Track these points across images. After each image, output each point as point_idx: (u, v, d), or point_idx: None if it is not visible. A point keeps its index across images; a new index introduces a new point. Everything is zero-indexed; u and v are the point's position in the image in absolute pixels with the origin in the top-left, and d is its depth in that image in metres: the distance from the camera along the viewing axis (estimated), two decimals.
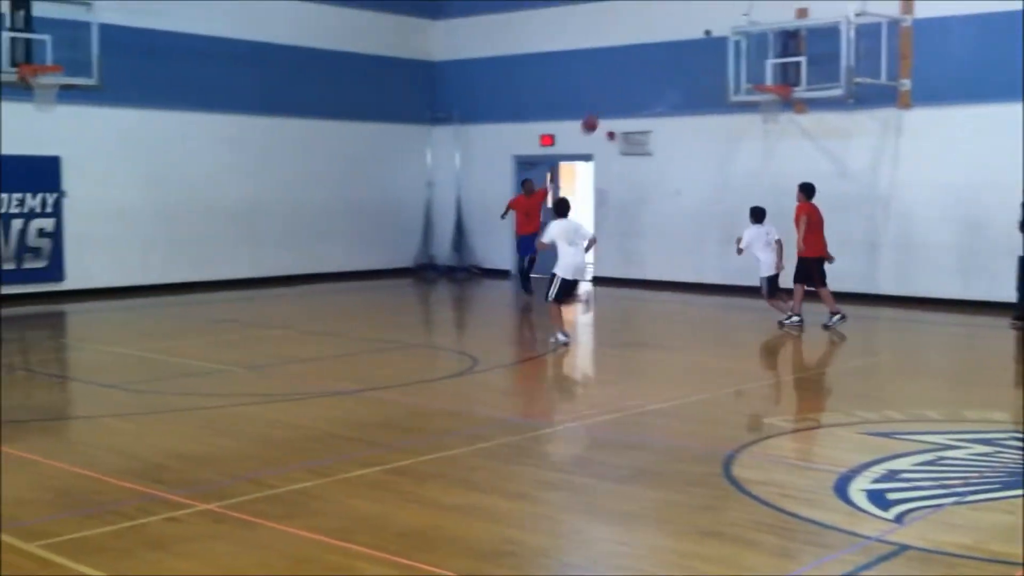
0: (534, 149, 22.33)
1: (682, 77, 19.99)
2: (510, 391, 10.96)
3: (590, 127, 16.61)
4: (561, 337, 12.68)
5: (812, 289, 14.39)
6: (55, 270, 17.80)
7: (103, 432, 8.70)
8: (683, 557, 5.60)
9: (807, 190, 14.66)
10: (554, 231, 12.58)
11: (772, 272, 14.42)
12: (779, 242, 14.42)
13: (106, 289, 18.18)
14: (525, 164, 22.66)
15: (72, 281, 18.03)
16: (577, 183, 24.23)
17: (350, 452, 7.82)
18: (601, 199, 21.33)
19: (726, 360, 12.38)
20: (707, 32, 19.32)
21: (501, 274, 22.32)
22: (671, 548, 5.78)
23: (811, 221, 14.37)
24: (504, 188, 22.52)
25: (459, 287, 21.33)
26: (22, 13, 16.37)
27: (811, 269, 14.40)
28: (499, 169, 22.81)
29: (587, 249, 13.17)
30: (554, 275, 12.62)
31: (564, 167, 22.91)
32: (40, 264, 17.63)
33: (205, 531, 6.08)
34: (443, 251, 23.34)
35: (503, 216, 19.58)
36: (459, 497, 6.68)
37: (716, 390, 10.27)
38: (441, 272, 22.95)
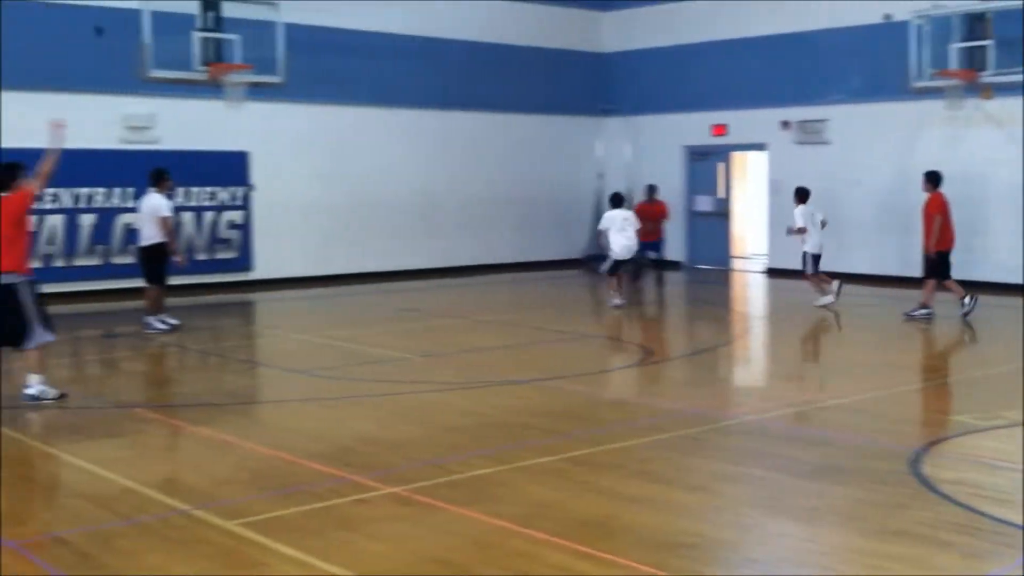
0: (706, 139, 22.08)
1: (861, 63, 19.43)
2: (687, 382, 10.89)
3: None
4: (616, 301, 15.61)
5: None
6: (244, 260, 18.63)
7: (294, 416, 9.08)
8: (871, 556, 5.49)
9: (935, 179, 14.19)
10: (607, 219, 15.81)
11: (815, 251, 15.54)
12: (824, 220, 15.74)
13: (291, 279, 18.93)
14: (697, 154, 22.45)
15: (260, 271, 18.85)
16: (750, 173, 23.83)
17: (529, 440, 7.94)
18: (775, 189, 20.93)
19: (907, 354, 12.02)
20: (887, 16, 18.71)
21: (672, 265, 22.15)
22: (858, 547, 5.67)
23: (945, 213, 13.98)
24: (675, 178, 22.36)
25: (630, 278, 21.25)
26: (212, 14, 17.18)
27: (943, 263, 14.07)
28: (670, 160, 22.65)
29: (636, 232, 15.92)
30: (608, 256, 15.83)
31: (737, 157, 22.56)
32: (230, 255, 18.48)
33: (392, 513, 6.30)
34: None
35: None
36: (637, 488, 6.71)
37: (899, 385, 9.98)
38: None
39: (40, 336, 9.24)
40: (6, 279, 9.12)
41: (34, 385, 9.30)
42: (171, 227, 13.37)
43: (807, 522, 6.09)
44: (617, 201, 16.40)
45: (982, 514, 6.07)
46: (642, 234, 16.52)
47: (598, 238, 16.47)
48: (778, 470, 7.09)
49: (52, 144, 9.66)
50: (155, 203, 13.32)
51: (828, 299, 15.15)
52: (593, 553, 5.52)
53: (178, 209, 17.80)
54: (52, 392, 9.33)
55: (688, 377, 11.24)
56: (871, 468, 7.10)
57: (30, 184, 9.42)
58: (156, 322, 13.45)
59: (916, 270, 17.75)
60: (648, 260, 17.92)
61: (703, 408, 9.25)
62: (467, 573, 5.31)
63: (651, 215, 18.43)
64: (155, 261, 13.39)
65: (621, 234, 15.69)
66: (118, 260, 17.43)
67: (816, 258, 15.51)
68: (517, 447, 7.72)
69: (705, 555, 5.61)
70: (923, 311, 14.07)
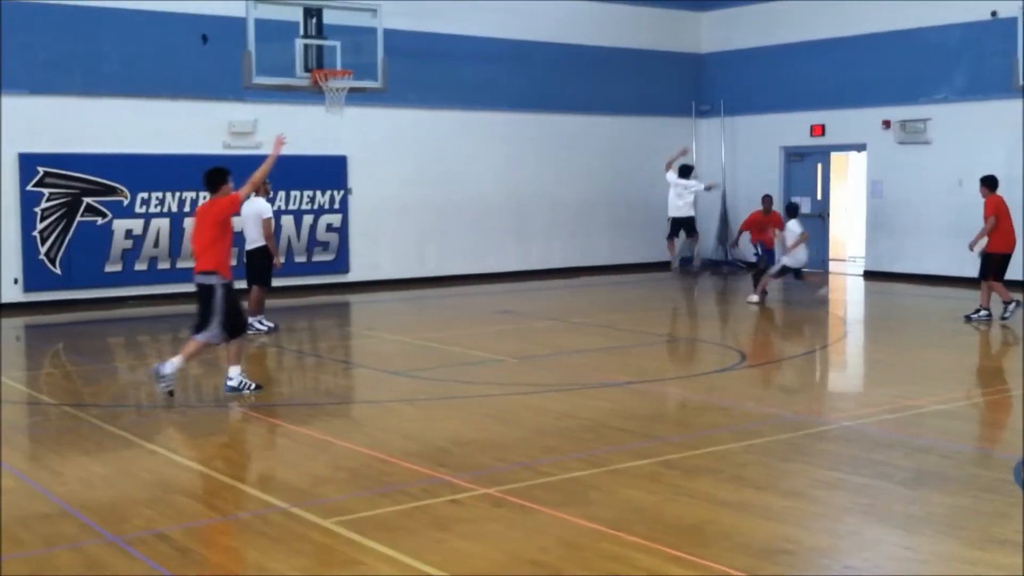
0: (804, 139, 21.76)
1: (965, 61, 18.96)
2: (781, 387, 10.75)
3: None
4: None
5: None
6: (341, 263, 18.94)
7: (390, 416, 9.20)
8: (973, 565, 5.37)
9: (992, 183, 14.31)
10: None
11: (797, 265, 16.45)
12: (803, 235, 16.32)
13: (387, 281, 19.17)
14: (795, 155, 22.13)
15: (356, 273, 19.13)
16: (850, 174, 23.41)
17: (622, 443, 7.93)
18: (875, 191, 20.54)
19: (1012, 360, 11.69)
20: (994, 13, 18.23)
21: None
22: (959, 555, 5.54)
23: (1002, 215, 14.02)
24: (772, 180, 22.09)
25: (724, 281, 21.08)
26: (314, 21, 17.50)
27: (993, 264, 14.12)
28: (767, 160, 22.37)
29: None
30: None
31: (836, 158, 22.17)
32: (328, 257, 18.79)
33: (485, 514, 6.35)
34: (708, 244, 23.13)
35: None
36: (732, 493, 6.65)
37: (1002, 391, 9.72)
38: (706, 266, 22.74)
39: (211, 336, 9.53)
40: (205, 279, 9.52)
41: (234, 377, 9.73)
42: (271, 230, 13.65)
43: (906, 530, 5.97)
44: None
45: None
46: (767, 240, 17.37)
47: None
48: (876, 476, 6.96)
49: (271, 152, 10.12)
50: (258, 206, 13.60)
51: (984, 313, 14.51)
52: (685, 557, 5.49)
53: (278, 213, 18.21)
54: (251, 384, 9.77)
55: (784, 381, 11.09)
56: (972, 475, 6.93)
57: (238, 190, 9.77)
58: (257, 323, 13.74)
59: (1021, 273, 17.31)
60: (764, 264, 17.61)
61: (800, 413, 9.13)
62: (558, 574, 5.33)
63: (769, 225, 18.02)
64: (259, 263, 13.67)
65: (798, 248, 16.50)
66: None
67: (791, 271, 16.62)
68: (611, 450, 7.71)
69: (800, 562, 5.54)
70: (982, 313, 14.14)
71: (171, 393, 9.54)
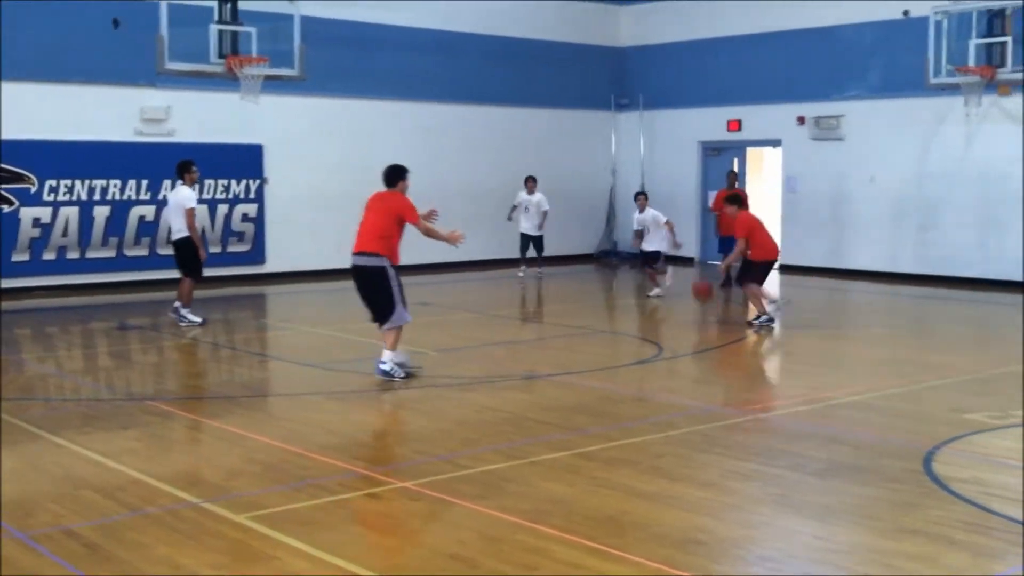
0: (721, 134, 22.03)
1: (879, 59, 19.35)
2: (698, 379, 10.87)
3: (702, 294, 15.06)
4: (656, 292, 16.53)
5: None
6: (257, 253, 18.67)
7: (306, 409, 9.08)
8: (883, 555, 5.45)
9: (738, 201, 14.26)
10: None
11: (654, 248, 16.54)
12: (668, 223, 16.45)
13: (305, 272, 18.93)
14: (711, 150, 22.38)
15: (273, 264, 18.87)
16: (765, 169, 23.75)
17: (541, 435, 7.93)
18: (790, 185, 20.87)
19: (923, 352, 11.95)
20: (906, 12, 18.64)
21: (684, 261, 22.11)
22: (871, 545, 5.63)
23: (756, 229, 13.69)
24: (690, 174, 22.32)
25: (642, 274, 21.23)
26: (229, 6, 17.15)
27: (761, 271, 13.71)
28: (685, 155, 22.61)
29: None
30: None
31: (752, 153, 22.49)
32: (243, 248, 18.51)
33: (403, 508, 6.30)
34: (626, 238, 23.28)
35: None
36: (649, 484, 6.68)
37: (913, 383, 9.92)
38: (624, 259, 22.91)
39: (401, 317, 9.72)
40: (373, 261, 9.66)
41: (387, 361, 9.77)
42: (194, 220, 13.36)
43: (820, 520, 6.05)
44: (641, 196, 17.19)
45: (994, 513, 6.03)
46: (723, 227, 17.19)
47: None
48: (790, 468, 7.05)
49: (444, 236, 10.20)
50: (182, 195, 13.34)
51: (659, 291, 16.31)
52: (603, 549, 5.50)
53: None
54: (400, 372, 9.80)
55: (699, 373, 11.21)
56: (884, 466, 7.06)
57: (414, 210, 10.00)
58: (191, 314, 13.47)
59: (934, 267, 17.78)
60: None
61: (714, 404, 9.22)
62: (476, 568, 5.30)
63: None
64: (185, 253, 13.39)
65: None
66: (131, 252, 17.49)
67: (653, 255, 16.72)
68: (529, 442, 7.70)
69: (716, 552, 5.58)
70: (763, 319, 13.40)
71: (409, 375, 9.83)
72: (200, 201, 17.85)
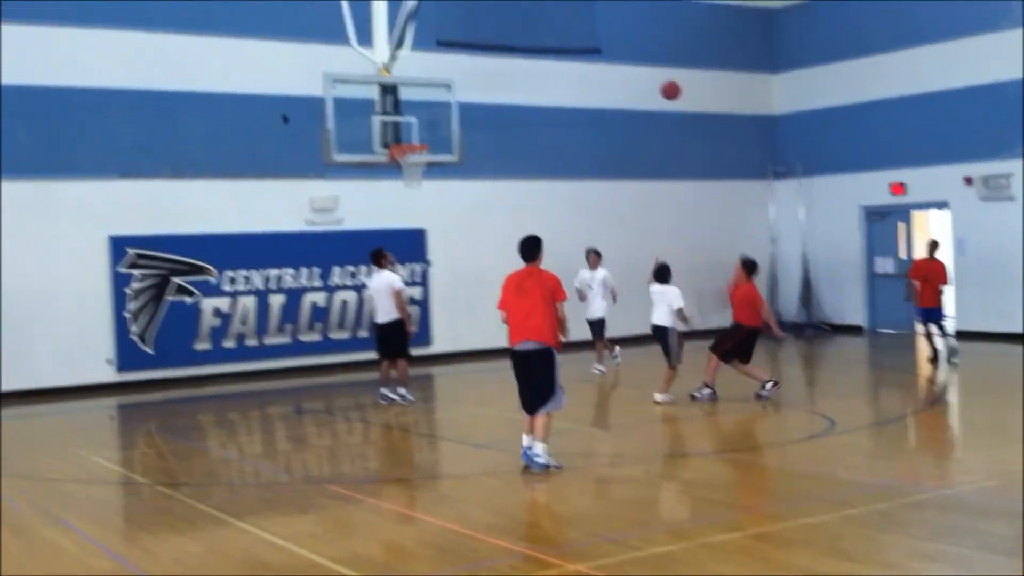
0: (884, 199, 21.52)
1: None
2: (874, 454, 10.50)
3: (670, 94, 14.55)
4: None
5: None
6: (423, 335, 19.07)
7: (476, 489, 9.18)
8: None
9: (753, 267, 13.72)
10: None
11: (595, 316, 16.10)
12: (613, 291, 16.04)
13: (470, 352, 19.22)
14: (875, 214, 21.88)
15: (439, 344, 19.25)
16: (932, 232, 23.03)
17: (711, 515, 7.81)
18: (960, 248, 20.17)
19: None
20: None
21: (853, 330, 21.56)
22: None
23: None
24: (853, 240, 21.86)
25: (809, 344, 20.79)
26: (391, 98, 17.83)
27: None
28: (846, 221, 22.15)
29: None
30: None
31: (917, 216, 21.87)
32: (411, 329, 18.91)
33: None
34: (790, 307, 22.87)
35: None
36: (829, 566, 6.48)
37: None
38: (788, 329, 22.46)
39: (558, 401, 9.46)
40: (543, 346, 9.43)
41: (542, 453, 9.34)
42: (405, 300, 13.82)
43: None
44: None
45: None
46: (924, 298, 15.97)
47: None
48: (977, 547, 6.75)
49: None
50: (388, 278, 13.83)
51: (602, 368, 15.77)
52: None
53: (358, 287, 18.49)
54: (556, 462, 9.38)
55: (876, 448, 10.84)
56: None
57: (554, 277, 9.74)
58: (408, 394, 13.85)
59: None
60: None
61: (894, 481, 8.91)
62: None
63: (933, 275, 16.41)
64: (398, 335, 13.80)
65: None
66: (305, 337, 18.14)
67: (600, 324, 16.17)
68: (700, 522, 7.60)
69: None
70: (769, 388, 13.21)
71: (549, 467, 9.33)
72: (368, 286, 18.52)
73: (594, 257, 16.74)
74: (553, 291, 9.58)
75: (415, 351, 18.79)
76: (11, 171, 16.07)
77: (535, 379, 9.47)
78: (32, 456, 11.46)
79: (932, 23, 20.41)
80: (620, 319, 18.26)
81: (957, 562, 6.52)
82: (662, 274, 13.60)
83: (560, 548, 7.11)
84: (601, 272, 16.62)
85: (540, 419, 9.40)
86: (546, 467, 9.33)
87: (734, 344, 13.32)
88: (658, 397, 13.04)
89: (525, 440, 9.42)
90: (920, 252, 21.08)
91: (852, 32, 21.91)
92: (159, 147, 17.13)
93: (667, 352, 13.27)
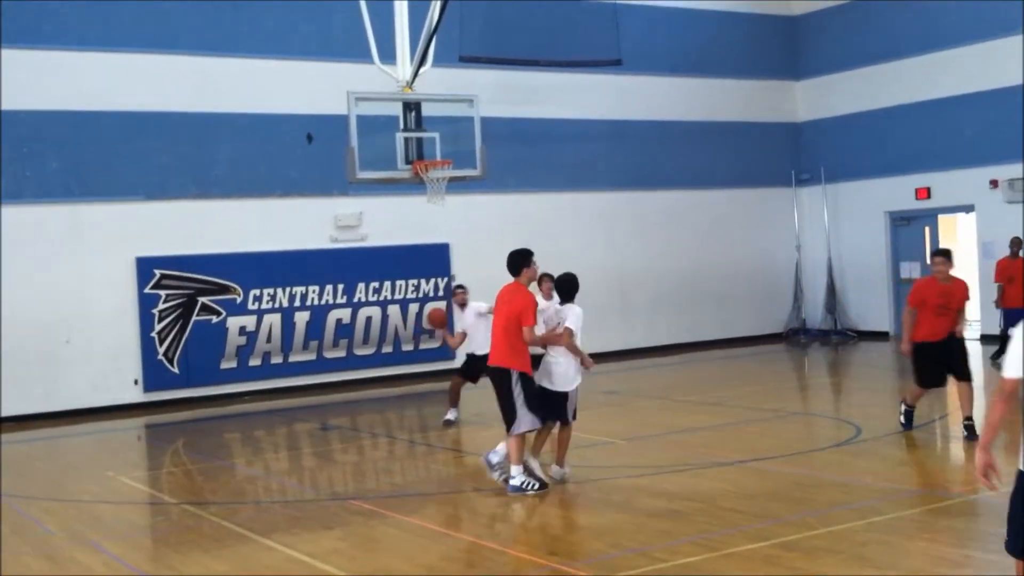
0: (909, 203, 21.41)
1: None
2: (901, 460, 10.43)
3: (437, 324, 14.38)
4: None
5: None
6: (447, 350, 19.08)
7: (501, 504, 9.18)
8: None
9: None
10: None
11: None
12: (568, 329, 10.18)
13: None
14: (900, 219, 21.77)
15: (463, 358, 19.21)
16: (959, 237, 22.89)
17: (737, 525, 7.79)
18: (987, 253, 20.01)
19: None
20: None
21: (879, 336, 21.44)
22: None
23: None
24: (878, 245, 21.74)
25: (834, 351, 20.69)
26: (413, 114, 17.92)
27: None
28: (872, 226, 22.05)
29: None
30: None
31: (943, 220, 21.73)
32: (435, 344, 19.00)
33: None
34: (815, 314, 22.78)
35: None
36: (856, 574, 6.46)
37: None
38: (814, 336, 22.39)
39: (518, 424, 9.12)
40: (494, 367, 9.35)
41: (516, 475, 9.18)
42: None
43: None
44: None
45: None
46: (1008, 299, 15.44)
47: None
48: (1004, 552, 6.69)
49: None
50: (479, 309, 13.79)
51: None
52: None
53: (385, 303, 18.58)
54: (534, 483, 9.17)
55: (903, 454, 10.77)
56: None
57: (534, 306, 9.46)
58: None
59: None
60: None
61: (920, 487, 8.86)
62: None
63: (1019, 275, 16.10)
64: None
65: None
66: (330, 354, 18.22)
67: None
68: (725, 532, 7.58)
69: None
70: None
71: (543, 486, 9.20)
72: (392, 301, 18.64)
73: (548, 283, 11.75)
74: (519, 314, 9.32)
75: (438, 365, 18.88)
76: (41, 195, 16.28)
77: (499, 400, 9.37)
78: (62, 477, 11.58)
79: (954, 26, 20.32)
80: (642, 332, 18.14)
81: (984, 568, 6.48)
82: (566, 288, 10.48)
83: (586, 560, 7.10)
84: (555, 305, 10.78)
85: (510, 441, 9.21)
86: (520, 489, 9.14)
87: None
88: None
89: (500, 447, 9.31)
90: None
91: (874, 37, 21.84)
92: (184, 168, 17.29)
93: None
